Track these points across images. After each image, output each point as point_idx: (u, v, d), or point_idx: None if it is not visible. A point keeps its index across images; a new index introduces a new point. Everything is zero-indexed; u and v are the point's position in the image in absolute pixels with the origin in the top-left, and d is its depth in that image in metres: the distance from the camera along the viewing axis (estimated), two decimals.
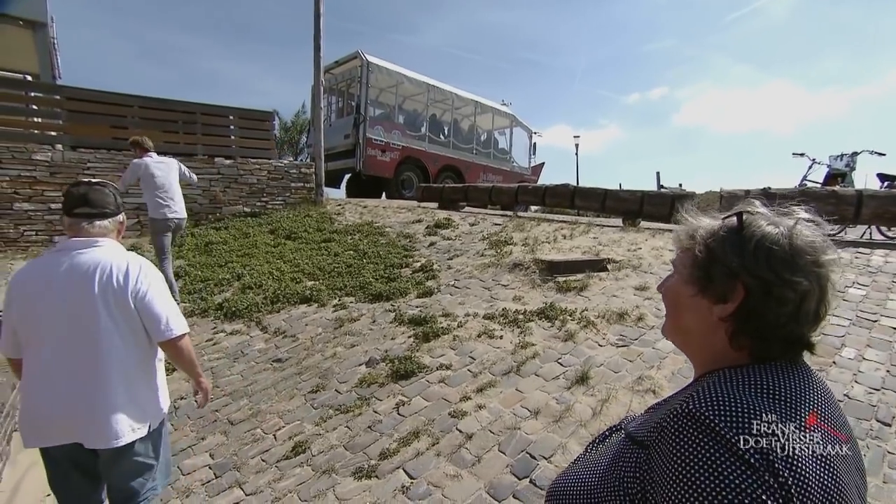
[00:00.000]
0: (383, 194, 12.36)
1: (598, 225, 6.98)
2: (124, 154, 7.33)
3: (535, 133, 16.06)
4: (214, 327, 4.44)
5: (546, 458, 2.45)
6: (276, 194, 8.90)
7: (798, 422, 0.60)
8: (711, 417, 0.59)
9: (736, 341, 0.68)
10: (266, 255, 6.44)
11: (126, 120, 7.76)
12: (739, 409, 0.59)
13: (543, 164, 16.80)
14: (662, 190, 10.66)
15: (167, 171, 5.05)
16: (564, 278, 4.72)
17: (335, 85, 12.36)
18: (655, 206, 6.64)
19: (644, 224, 6.83)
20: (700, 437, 0.58)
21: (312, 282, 5.40)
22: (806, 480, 0.55)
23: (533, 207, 10.76)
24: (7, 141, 6.68)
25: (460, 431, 2.70)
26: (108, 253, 1.69)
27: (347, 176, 12.68)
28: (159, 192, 4.94)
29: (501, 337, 3.74)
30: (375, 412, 2.94)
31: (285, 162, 9.42)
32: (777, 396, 0.62)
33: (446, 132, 13.45)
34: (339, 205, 9.37)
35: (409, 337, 3.87)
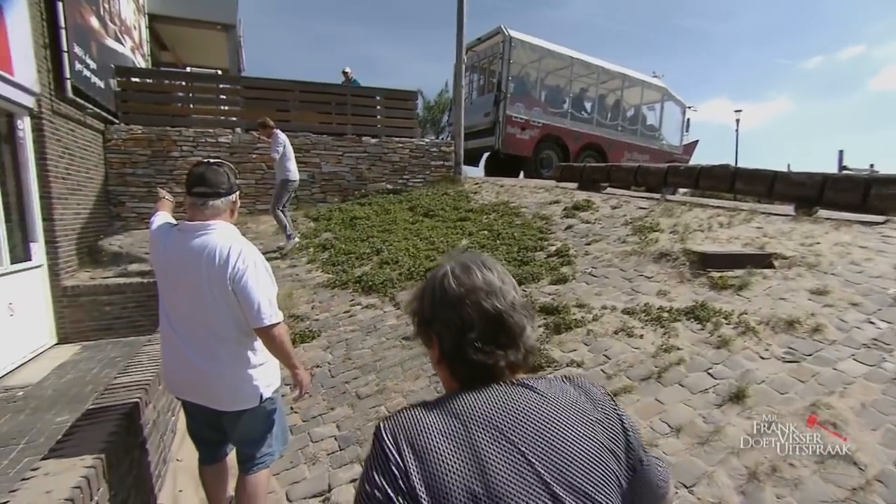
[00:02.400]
0: (521, 173, 12.06)
1: (762, 212, 5.95)
2: (287, 134, 8.11)
3: (690, 108, 14.28)
4: (352, 299, 4.69)
5: (687, 487, 2.10)
6: (416, 172, 9.18)
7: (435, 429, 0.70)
8: (381, 425, 0.73)
9: (452, 375, 0.79)
10: (404, 231, 6.66)
11: (288, 104, 8.60)
12: (402, 420, 0.72)
13: (697, 142, 14.98)
14: (847, 172, 8.71)
15: None
16: (720, 274, 4.10)
17: (477, 62, 12.24)
18: (842, 192, 5.40)
19: (823, 213, 5.64)
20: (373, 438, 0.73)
21: None
22: (423, 465, 0.66)
23: (681, 190, 9.65)
24: (203, 126, 7.86)
25: None
26: (216, 237, 1.75)
27: (486, 154, 12.61)
28: (293, 160, 6.31)
29: (642, 336, 3.34)
30: None
31: (426, 140, 9.64)
32: (440, 407, 0.73)
33: (589, 108, 12.59)
34: (477, 183, 9.34)
35: (540, 326, 3.66)
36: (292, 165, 6.26)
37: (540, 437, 0.69)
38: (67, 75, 5.47)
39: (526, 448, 0.68)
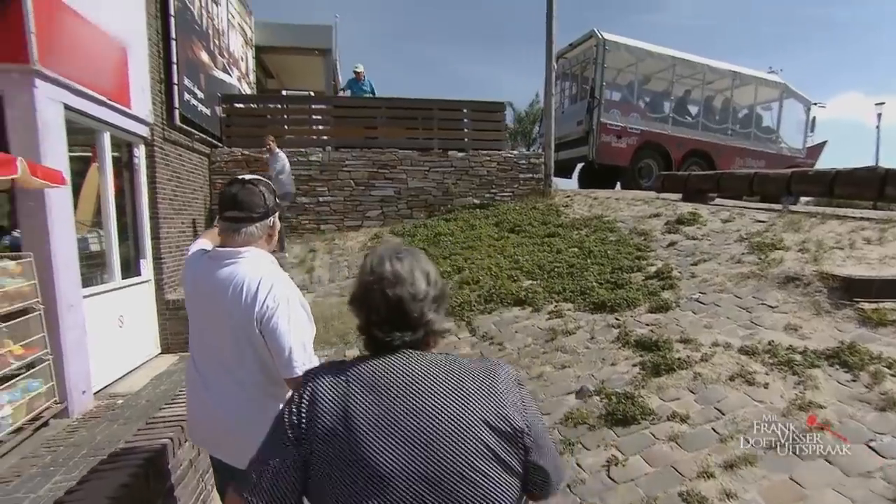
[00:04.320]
0: (618, 184, 11.23)
1: None
2: (373, 151, 8.25)
3: (816, 104, 12.42)
4: None
5: None
6: (504, 186, 8.85)
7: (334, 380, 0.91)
8: (309, 377, 0.95)
9: (364, 344, 0.97)
10: (488, 248, 6.35)
11: (375, 120, 8.73)
12: (318, 374, 0.94)
13: (825, 143, 12.99)
14: None
15: None
16: (874, 305, 3.29)
17: (569, 69, 11.67)
18: None
19: None
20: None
21: (529, 281, 5.01)
22: (313, 416, 0.87)
23: (803, 199, 8.31)
24: (296, 146, 8.21)
25: None
26: (245, 268, 1.51)
27: (580, 165, 11.94)
28: (289, 174, 7.25)
29: (766, 386, 2.71)
30: (578, 466, 2.35)
31: (515, 153, 9.29)
32: (344, 367, 0.92)
33: (694, 112, 11.42)
34: (568, 196, 8.80)
35: (635, 365, 3.13)
36: (288, 179, 7.19)
37: (407, 395, 0.85)
38: (176, 105, 5.94)
39: (392, 402, 0.85)
